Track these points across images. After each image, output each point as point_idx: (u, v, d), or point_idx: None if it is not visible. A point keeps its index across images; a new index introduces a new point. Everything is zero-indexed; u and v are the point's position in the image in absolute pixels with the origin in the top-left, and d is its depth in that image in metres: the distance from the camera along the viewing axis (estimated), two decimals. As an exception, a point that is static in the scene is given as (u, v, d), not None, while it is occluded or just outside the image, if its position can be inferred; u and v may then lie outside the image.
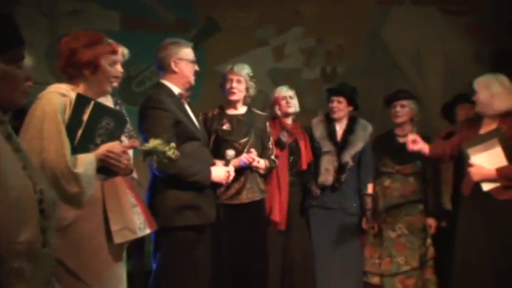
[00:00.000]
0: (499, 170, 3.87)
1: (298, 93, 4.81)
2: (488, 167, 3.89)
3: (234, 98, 4.21)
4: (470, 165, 3.94)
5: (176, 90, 3.62)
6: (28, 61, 2.87)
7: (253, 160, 4.07)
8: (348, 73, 6.66)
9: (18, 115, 2.80)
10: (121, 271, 2.75)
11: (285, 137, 4.44)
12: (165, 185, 3.51)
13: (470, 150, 3.95)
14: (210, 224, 3.62)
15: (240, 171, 4.06)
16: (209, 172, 3.54)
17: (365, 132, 4.79)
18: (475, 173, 3.91)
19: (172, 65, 3.61)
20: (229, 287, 4.04)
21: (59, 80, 2.72)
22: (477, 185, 3.93)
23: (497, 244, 3.90)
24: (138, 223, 2.71)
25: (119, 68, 2.80)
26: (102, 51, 2.65)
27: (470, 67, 6.37)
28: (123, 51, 3.24)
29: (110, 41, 2.75)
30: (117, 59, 2.75)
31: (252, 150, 4.11)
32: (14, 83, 1.71)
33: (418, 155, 4.72)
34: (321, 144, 4.72)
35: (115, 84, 2.89)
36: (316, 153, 4.74)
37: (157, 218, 3.29)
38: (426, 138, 4.79)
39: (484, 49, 6.46)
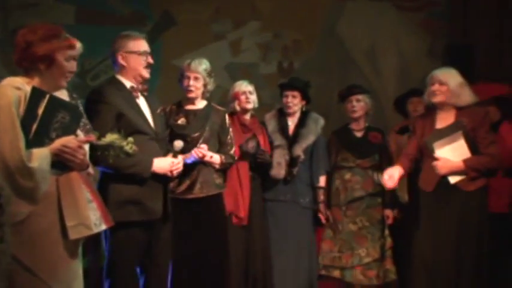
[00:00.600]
0: (466, 162, 3.94)
1: (255, 87, 4.81)
2: (453, 159, 3.95)
3: (191, 95, 4.19)
4: (436, 159, 3.99)
5: (128, 84, 3.53)
6: None
7: (203, 155, 4.02)
8: (304, 68, 6.70)
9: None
10: (77, 267, 2.71)
11: (248, 147, 4.41)
12: (108, 179, 3.40)
13: (434, 144, 4.00)
14: (157, 219, 3.46)
15: (193, 166, 4.02)
16: (149, 163, 3.41)
17: (317, 125, 4.82)
18: (442, 166, 3.95)
19: (120, 58, 3.53)
20: (187, 282, 4.01)
21: (13, 74, 2.67)
22: (442, 179, 3.99)
23: (467, 235, 3.97)
24: (94, 219, 2.68)
25: (75, 63, 2.74)
26: (58, 46, 2.62)
27: (424, 62, 6.48)
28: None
29: (68, 35, 2.71)
30: (73, 54, 2.71)
31: (203, 145, 4.07)
32: None
33: (376, 148, 4.82)
34: (273, 138, 4.75)
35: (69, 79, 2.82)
36: (269, 147, 4.75)
37: None
38: (381, 132, 4.89)
39: (437, 44, 6.58)
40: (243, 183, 4.50)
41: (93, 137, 2.74)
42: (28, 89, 2.54)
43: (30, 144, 2.49)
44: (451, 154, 3.96)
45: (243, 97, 4.63)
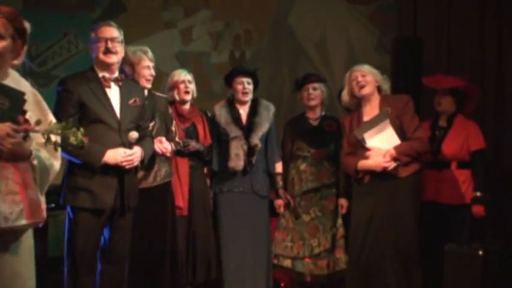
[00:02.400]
0: (398, 148, 4.04)
1: (206, 76, 4.76)
2: (384, 147, 4.05)
3: (149, 85, 4.17)
4: (368, 149, 4.08)
5: (100, 73, 3.62)
6: None
7: (167, 150, 4.08)
8: (256, 58, 6.70)
9: None
10: (1, 262, 2.56)
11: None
12: (69, 165, 3.56)
13: (364, 135, 4.09)
14: (107, 209, 3.53)
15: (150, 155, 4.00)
16: (100, 154, 3.48)
17: (269, 112, 4.79)
18: (374, 155, 4.06)
19: (90, 50, 3.68)
20: (138, 271, 3.98)
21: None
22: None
23: (399, 221, 4.08)
24: (7, 212, 2.47)
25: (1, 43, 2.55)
26: None
27: (373, 55, 6.56)
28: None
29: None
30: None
31: (163, 139, 4.07)
32: None
33: (331, 137, 4.84)
34: (228, 130, 4.67)
35: (15, 62, 2.66)
36: (223, 139, 4.70)
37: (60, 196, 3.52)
38: (336, 121, 4.91)
39: (387, 37, 6.65)
40: (181, 173, 4.45)
41: (30, 125, 2.56)
42: None
43: None
44: (382, 143, 4.07)
45: (182, 86, 4.55)
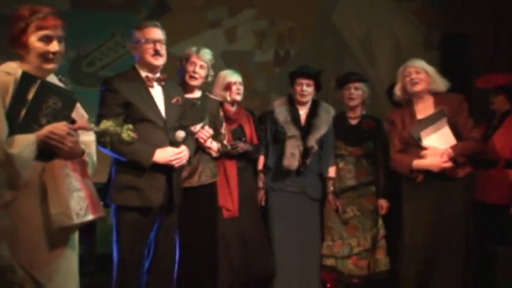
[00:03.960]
0: (454, 148, 3.97)
1: (250, 75, 4.76)
2: (440, 147, 3.98)
3: (194, 83, 4.18)
4: (424, 149, 4.01)
5: (143, 73, 3.64)
6: None
7: (207, 137, 4.07)
8: (300, 56, 6.68)
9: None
10: (64, 257, 2.63)
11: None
12: (117, 164, 3.56)
13: (421, 133, 4.02)
14: (155, 207, 3.55)
15: (193, 154, 4.02)
16: (150, 153, 3.50)
17: (328, 115, 4.75)
18: (431, 154, 3.99)
19: (133, 49, 3.69)
20: (181, 270, 4.00)
21: (9, 59, 2.62)
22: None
23: (453, 222, 4.01)
24: (77, 209, 2.57)
25: (55, 43, 2.59)
26: (23, 27, 2.53)
27: (420, 51, 6.46)
28: None
29: (51, 15, 2.59)
30: (49, 34, 2.56)
31: (206, 127, 4.10)
32: None
33: (369, 136, 4.79)
34: (285, 129, 4.66)
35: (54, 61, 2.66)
36: (280, 137, 4.69)
37: (107, 195, 3.51)
38: (376, 121, 4.86)
39: (433, 34, 6.56)
40: (229, 175, 4.45)
41: (86, 124, 2.68)
42: (20, 74, 2.48)
43: (18, 130, 2.45)
44: (438, 142, 4.00)
45: (234, 87, 4.56)
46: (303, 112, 4.75)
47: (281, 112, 4.72)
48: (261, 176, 4.75)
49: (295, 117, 4.70)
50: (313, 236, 4.71)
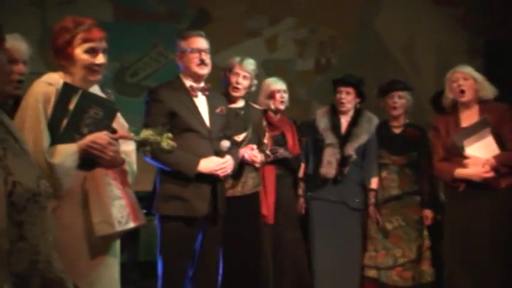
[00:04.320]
0: (497, 158, 3.89)
1: (292, 84, 4.76)
2: (483, 156, 3.91)
3: (237, 94, 4.17)
4: (466, 158, 3.94)
5: (188, 83, 3.65)
6: (24, 46, 2.83)
7: (256, 159, 4.05)
8: (341, 64, 6.65)
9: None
10: (104, 265, 2.65)
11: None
12: (161, 173, 3.57)
13: (464, 142, 3.96)
14: (200, 217, 3.55)
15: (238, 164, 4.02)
16: (195, 163, 3.50)
17: (370, 124, 4.70)
18: (473, 164, 3.92)
19: (177, 59, 3.69)
20: (225, 280, 4.00)
21: (53, 70, 2.68)
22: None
23: (498, 233, 3.93)
24: (119, 216, 2.59)
25: (100, 55, 2.61)
26: (69, 39, 2.56)
27: (464, 58, 6.36)
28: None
29: (95, 28, 2.62)
30: (95, 46, 2.59)
31: (254, 146, 4.08)
32: None
33: (413, 145, 4.72)
34: (324, 136, 4.63)
35: (100, 73, 2.69)
36: (319, 145, 4.66)
37: (152, 204, 3.52)
38: (420, 129, 4.79)
39: (477, 40, 6.46)
40: (267, 181, 4.42)
41: (126, 133, 2.71)
42: (61, 84, 2.52)
43: (60, 140, 2.47)
44: (481, 151, 3.93)
45: (278, 95, 4.55)
46: (344, 121, 4.71)
47: (321, 120, 4.70)
48: (301, 184, 4.73)
49: (335, 125, 4.67)
50: (353, 246, 4.65)
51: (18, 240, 1.61)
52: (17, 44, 2.83)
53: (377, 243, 4.70)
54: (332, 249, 4.58)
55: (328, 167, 4.55)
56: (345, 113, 4.70)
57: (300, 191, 4.73)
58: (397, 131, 4.81)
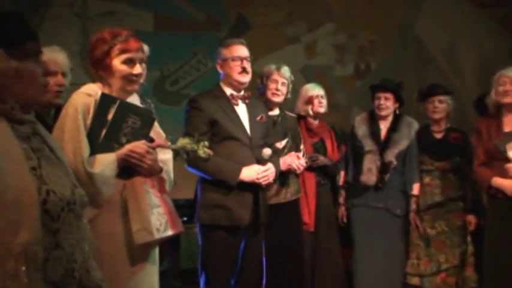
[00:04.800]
0: None
1: (331, 90, 4.74)
2: None
3: (277, 99, 4.16)
4: (508, 161, 3.86)
5: (228, 91, 3.65)
6: (62, 57, 2.88)
7: (302, 167, 4.02)
8: (382, 69, 6.59)
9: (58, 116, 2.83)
10: (144, 273, 2.66)
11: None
12: (203, 182, 3.57)
13: (507, 146, 3.87)
14: (242, 226, 3.53)
15: (280, 172, 3.95)
16: (237, 171, 3.50)
17: (410, 129, 4.63)
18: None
19: (218, 67, 3.68)
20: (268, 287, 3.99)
21: (93, 80, 2.72)
22: None
23: None
24: (157, 224, 2.60)
25: (137, 65, 2.64)
26: (107, 50, 2.58)
27: (506, 61, 6.23)
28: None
29: (132, 38, 2.63)
30: (132, 57, 2.61)
31: (300, 155, 4.06)
32: (29, 79, 1.65)
33: (456, 150, 4.64)
34: (363, 143, 4.58)
35: (137, 83, 2.70)
36: (358, 152, 4.61)
37: (194, 214, 3.52)
38: (462, 133, 4.71)
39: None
40: (307, 188, 4.40)
41: (163, 142, 2.73)
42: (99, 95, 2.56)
43: (99, 149, 2.51)
44: None
45: (316, 101, 4.54)
46: (383, 126, 4.65)
47: (360, 127, 4.66)
48: (342, 191, 4.69)
49: (374, 131, 4.62)
50: (396, 252, 4.59)
51: (53, 249, 1.62)
52: (55, 56, 2.90)
53: (420, 250, 4.63)
54: (374, 256, 4.52)
55: (369, 174, 4.50)
56: (384, 118, 4.65)
57: (341, 199, 4.69)
58: (439, 135, 4.74)
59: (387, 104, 4.60)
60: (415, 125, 4.67)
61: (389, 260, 4.54)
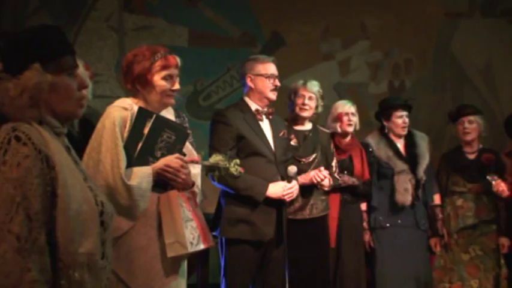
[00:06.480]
0: None
1: (364, 107, 4.70)
2: None
3: (305, 114, 4.18)
4: None
5: (254, 106, 3.69)
6: (81, 69, 2.93)
7: (324, 178, 3.98)
8: (417, 87, 6.54)
9: (84, 126, 2.87)
10: (175, 285, 2.69)
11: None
12: (226, 197, 3.60)
13: None
14: (266, 241, 3.56)
15: (306, 187, 4.00)
16: (264, 188, 3.53)
17: (425, 142, 4.65)
18: None
19: (248, 81, 3.70)
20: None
21: (128, 94, 2.76)
22: None
23: None
24: (191, 238, 2.64)
25: (174, 81, 2.71)
26: (150, 66, 2.64)
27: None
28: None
29: (165, 54, 2.70)
30: (171, 73, 2.69)
31: (322, 168, 4.04)
32: (65, 92, 1.68)
33: (489, 171, 4.56)
34: (391, 164, 4.54)
35: (173, 97, 2.77)
36: (387, 173, 4.55)
37: (218, 228, 3.53)
38: (495, 154, 4.62)
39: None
40: (331, 209, 4.32)
41: (197, 158, 2.77)
42: (135, 109, 2.61)
43: (135, 162, 2.55)
44: None
45: (345, 118, 4.48)
46: (400, 144, 4.64)
47: (380, 148, 4.60)
48: (365, 216, 4.60)
49: (397, 151, 4.59)
50: (424, 268, 4.55)
51: (101, 258, 1.67)
52: (82, 70, 2.94)
53: (452, 275, 4.56)
54: (404, 275, 4.45)
55: (405, 194, 4.47)
56: (401, 136, 4.64)
57: (365, 224, 4.59)
58: (472, 157, 4.68)
59: (407, 122, 4.60)
60: (427, 138, 4.69)
61: (419, 277, 4.48)
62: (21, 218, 1.52)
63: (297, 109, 4.18)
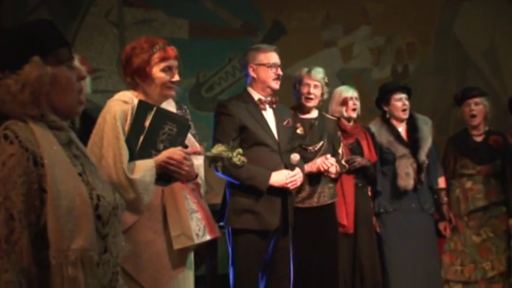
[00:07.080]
0: None
1: (368, 93, 4.69)
2: None
3: (311, 104, 4.15)
4: None
5: (257, 96, 3.68)
6: (77, 62, 2.92)
7: (331, 165, 3.96)
8: (420, 71, 6.52)
9: (86, 121, 2.87)
10: (183, 277, 2.69)
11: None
12: (231, 187, 3.60)
13: None
14: (272, 230, 3.56)
15: (313, 175, 3.99)
16: (267, 177, 3.53)
17: (428, 126, 4.61)
18: None
19: (251, 71, 3.68)
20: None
21: (130, 88, 2.75)
22: None
23: None
24: (197, 229, 2.64)
25: (173, 73, 2.69)
26: (148, 59, 2.62)
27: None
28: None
29: (163, 46, 2.68)
30: (171, 64, 2.66)
31: (328, 156, 4.03)
32: (66, 84, 1.67)
33: (497, 153, 4.55)
34: (392, 149, 4.53)
35: (173, 89, 2.75)
36: (388, 158, 4.54)
37: (223, 218, 3.54)
38: (503, 136, 4.61)
39: None
40: (346, 190, 4.35)
41: (199, 149, 2.76)
42: (136, 102, 2.59)
43: (137, 156, 2.53)
44: None
45: (350, 103, 4.47)
46: (401, 129, 4.62)
47: (381, 134, 4.59)
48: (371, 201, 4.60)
49: (398, 135, 4.57)
50: (432, 253, 4.54)
51: (103, 253, 1.66)
52: (77, 63, 2.94)
53: (464, 257, 4.55)
54: (411, 260, 4.43)
55: (407, 179, 4.45)
56: (402, 121, 4.61)
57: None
58: (479, 139, 4.66)
59: (408, 105, 4.57)
60: (429, 121, 4.65)
61: (426, 261, 4.47)
62: (2, 218, 1.51)
63: (303, 99, 4.16)
